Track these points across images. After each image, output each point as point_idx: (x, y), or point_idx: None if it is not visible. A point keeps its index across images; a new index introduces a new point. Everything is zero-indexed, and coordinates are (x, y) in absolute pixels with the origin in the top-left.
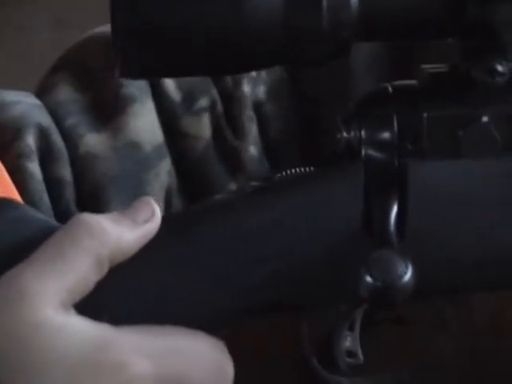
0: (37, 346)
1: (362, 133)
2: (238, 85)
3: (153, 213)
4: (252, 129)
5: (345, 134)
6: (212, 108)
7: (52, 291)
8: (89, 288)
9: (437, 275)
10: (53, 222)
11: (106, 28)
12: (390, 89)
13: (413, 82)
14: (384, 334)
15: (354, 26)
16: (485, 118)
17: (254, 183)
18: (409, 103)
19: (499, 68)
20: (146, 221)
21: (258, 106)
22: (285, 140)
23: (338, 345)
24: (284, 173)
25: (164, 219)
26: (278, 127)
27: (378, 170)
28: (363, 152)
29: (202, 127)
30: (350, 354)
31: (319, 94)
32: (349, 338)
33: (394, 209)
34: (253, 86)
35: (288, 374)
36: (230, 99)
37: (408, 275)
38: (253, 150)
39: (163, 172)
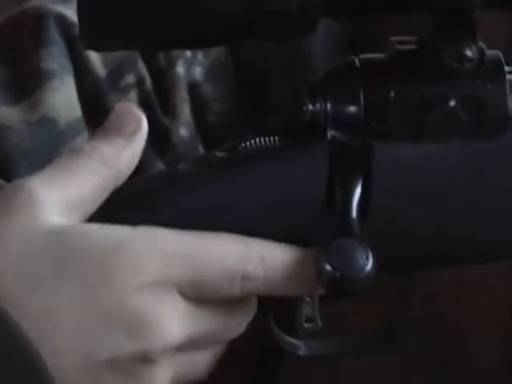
0: (50, 252)
1: (328, 106)
2: (171, 65)
3: (138, 123)
4: (185, 110)
5: (310, 107)
6: (139, 84)
7: (62, 202)
8: (95, 206)
9: (398, 253)
10: None
11: (38, 2)
12: (356, 62)
13: (380, 56)
14: (343, 301)
15: (322, 4)
16: (452, 102)
17: (218, 153)
18: (376, 81)
19: (468, 53)
20: (135, 131)
21: (193, 88)
22: (225, 122)
23: (298, 311)
24: (248, 143)
25: (127, 187)
26: (217, 109)
27: (343, 149)
28: (328, 127)
29: None
30: (309, 319)
31: (267, 74)
32: (308, 305)
33: (358, 192)
34: (187, 67)
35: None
36: (163, 78)
37: (368, 267)
38: (183, 131)
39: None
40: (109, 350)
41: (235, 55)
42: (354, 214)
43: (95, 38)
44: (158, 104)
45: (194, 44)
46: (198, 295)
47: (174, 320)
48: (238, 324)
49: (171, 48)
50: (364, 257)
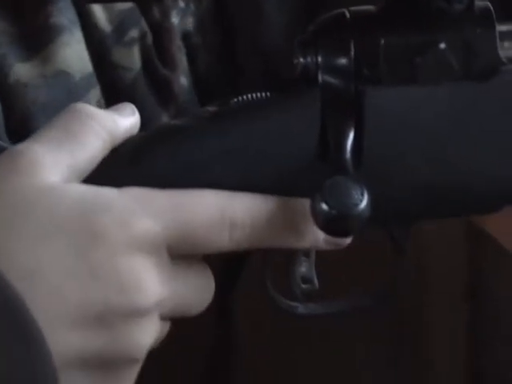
0: (42, 210)
1: (319, 58)
2: (166, 16)
3: (133, 109)
4: (182, 59)
5: (301, 60)
6: (142, 39)
7: (61, 165)
8: (92, 168)
9: (391, 202)
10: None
11: None
12: (347, 14)
13: (370, 7)
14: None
15: None
16: (442, 45)
17: (210, 108)
18: (366, 29)
19: None
20: (131, 114)
21: (186, 37)
22: (213, 73)
23: (294, 271)
24: (240, 98)
25: (123, 144)
26: (207, 59)
27: (334, 95)
28: (320, 78)
29: (132, 58)
30: (306, 280)
31: (246, 29)
32: (304, 264)
33: (351, 135)
34: (181, 18)
35: None
36: (159, 31)
37: (363, 203)
38: (183, 80)
39: (93, 101)
40: (95, 306)
41: (219, 8)
42: (347, 155)
43: None
44: (158, 57)
45: None
46: (188, 250)
47: (157, 279)
48: (205, 296)
49: None
50: (359, 193)
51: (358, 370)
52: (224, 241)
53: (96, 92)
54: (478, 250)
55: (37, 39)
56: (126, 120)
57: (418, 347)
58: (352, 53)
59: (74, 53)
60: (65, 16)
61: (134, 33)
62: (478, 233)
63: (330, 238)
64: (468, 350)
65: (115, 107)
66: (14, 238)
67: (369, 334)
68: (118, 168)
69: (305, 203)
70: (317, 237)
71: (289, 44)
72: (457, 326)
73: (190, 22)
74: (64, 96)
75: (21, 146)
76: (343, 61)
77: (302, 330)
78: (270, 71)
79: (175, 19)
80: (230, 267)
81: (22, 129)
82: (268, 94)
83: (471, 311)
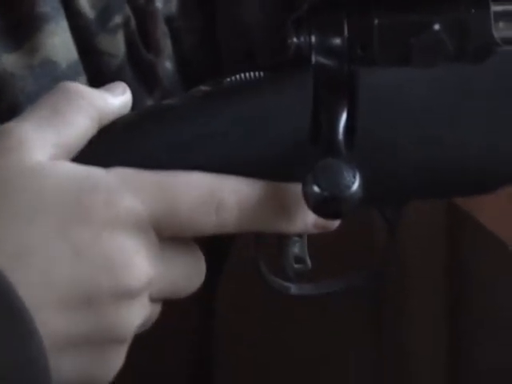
0: (30, 189)
1: (312, 38)
2: (150, 1)
3: (125, 88)
4: (167, 44)
5: (295, 40)
6: (126, 25)
7: (49, 143)
8: (81, 146)
9: (383, 183)
10: None
11: None
12: None
13: None
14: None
15: None
16: (436, 26)
17: (203, 87)
18: (360, 9)
19: None
20: (122, 93)
21: (170, 21)
22: (196, 56)
23: (287, 251)
24: (233, 78)
25: (113, 123)
26: (189, 43)
27: (327, 76)
28: (313, 58)
29: (117, 44)
30: (298, 260)
31: (226, 12)
32: (297, 244)
33: (343, 117)
34: (165, 1)
35: None
36: (143, 16)
37: (356, 185)
38: (168, 64)
39: None
40: (83, 286)
41: None
42: (340, 136)
43: None
44: (142, 41)
45: None
46: (176, 231)
47: (146, 259)
48: (196, 278)
49: None
50: (351, 175)
51: (343, 353)
52: (211, 223)
53: (83, 79)
54: (459, 231)
55: (23, 29)
56: (116, 99)
57: (399, 331)
58: (345, 33)
59: (60, 41)
60: (49, 5)
61: (118, 19)
62: (459, 214)
63: (319, 221)
64: (449, 334)
65: (107, 86)
66: (1, 218)
67: (353, 318)
68: (107, 147)
69: (296, 188)
70: (306, 221)
71: (267, 28)
72: (438, 311)
73: (173, 5)
74: (52, 84)
75: (10, 125)
76: (336, 41)
77: (290, 310)
78: (251, 55)
79: (159, 3)
80: (217, 249)
81: (9, 118)
82: (261, 73)
83: (452, 294)
